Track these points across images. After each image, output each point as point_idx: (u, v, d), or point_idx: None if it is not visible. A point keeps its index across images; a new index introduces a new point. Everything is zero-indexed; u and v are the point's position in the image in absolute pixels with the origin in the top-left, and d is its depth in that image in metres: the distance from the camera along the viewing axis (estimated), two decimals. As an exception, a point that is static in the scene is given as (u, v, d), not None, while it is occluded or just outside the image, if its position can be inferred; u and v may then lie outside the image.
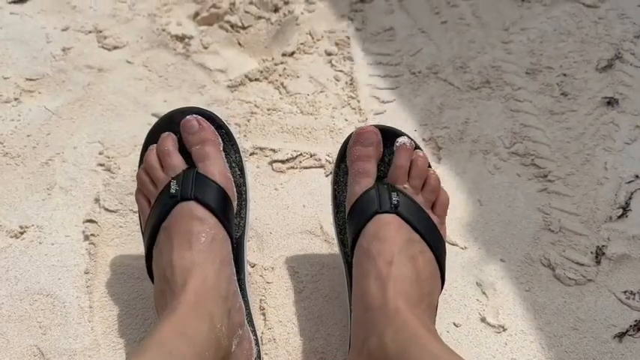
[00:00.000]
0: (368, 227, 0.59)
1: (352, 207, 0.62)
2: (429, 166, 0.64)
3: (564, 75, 0.95)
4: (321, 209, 0.79)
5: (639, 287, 0.71)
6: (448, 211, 0.78)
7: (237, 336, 0.58)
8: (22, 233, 0.76)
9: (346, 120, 0.90)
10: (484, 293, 0.71)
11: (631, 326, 0.67)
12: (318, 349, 0.67)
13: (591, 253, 0.74)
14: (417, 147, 0.65)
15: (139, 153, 0.84)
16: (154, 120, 0.89)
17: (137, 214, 0.78)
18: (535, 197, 0.80)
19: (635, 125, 0.87)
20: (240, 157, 0.68)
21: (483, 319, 0.69)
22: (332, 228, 0.75)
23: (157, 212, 0.61)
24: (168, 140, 0.64)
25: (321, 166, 0.84)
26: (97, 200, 0.79)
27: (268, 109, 0.91)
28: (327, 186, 0.83)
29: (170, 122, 0.66)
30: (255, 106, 0.92)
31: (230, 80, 0.95)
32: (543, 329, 0.68)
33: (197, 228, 0.59)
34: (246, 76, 0.95)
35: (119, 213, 0.78)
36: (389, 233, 0.58)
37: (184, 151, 0.65)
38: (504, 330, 0.68)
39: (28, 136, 0.87)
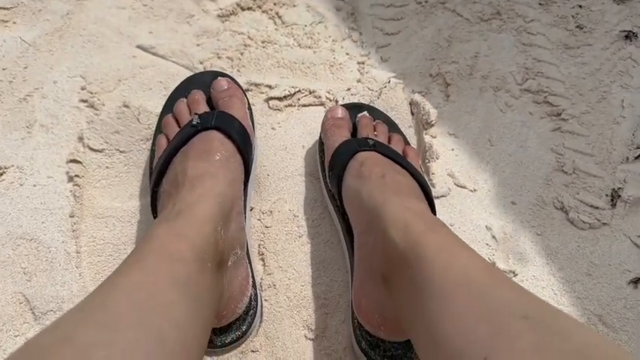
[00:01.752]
0: (351, 165, 0.61)
1: (333, 154, 0.64)
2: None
3: (580, 6, 0.88)
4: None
5: (656, 231, 0.68)
6: (456, 152, 0.74)
7: (235, 254, 0.57)
8: (1, 174, 0.71)
9: (347, 54, 0.84)
10: (494, 237, 0.68)
11: (646, 271, 0.65)
12: (320, 294, 0.64)
13: (606, 195, 0.70)
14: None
15: (127, 87, 0.79)
16: (139, 52, 0.84)
17: (124, 154, 0.73)
18: (548, 137, 0.75)
19: (655, 61, 0.82)
20: (251, 113, 0.71)
21: (493, 264, 0.65)
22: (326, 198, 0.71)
23: (176, 140, 0.61)
24: (198, 94, 0.68)
25: (321, 104, 0.79)
26: (80, 139, 0.74)
27: (263, 42, 0.85)
28: (328, 124, 0.78)
29: (191, 83, 0.71)
30: (249, 37, 0.85)
31: (220, 9, 0.88)
32: (556, 275, 0.65)
33: (214, 147, 0.59)
34: (237, 5, 0.88)
35: (105, 153, 0.73)
36: (373, 160, 0.60)
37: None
38: (515, 275, 0.65)
39: (4, 69, 0.80)
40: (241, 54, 0.83)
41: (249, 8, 0.88)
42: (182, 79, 0.73)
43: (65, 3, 0.87)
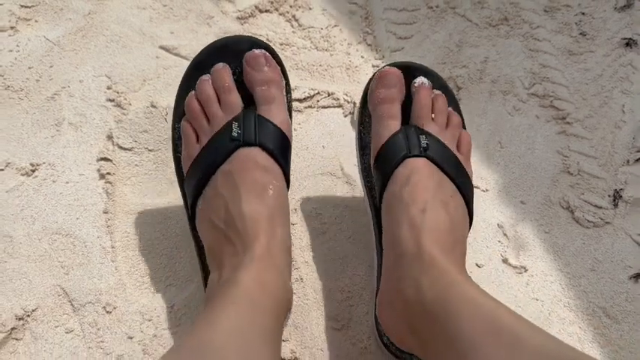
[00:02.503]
0: (398, 172, 0.58)
1: (379, 151, 0.60)
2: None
3: (583, 14, 0.93)
4: (341, 150, 0.78)
5: (654, 230, 0.73)
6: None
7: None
8: (33, 171, 0.73)
9: (362, 57, 0.88)
10: (505, 235, 0.72)
11: (646, 267, 0.70)
12: (344, 288, 0.68)
13: (609, 196, 0.75)
14: (435, 86, 0.64)
15: (152, 87, 0.82)
16: (162, 53, 0.86)
17: (152, 152, 0.76)
18: (554, 139, 0.80)
19: (653, 68, 0.87)
20: (291, 97, 0.64)
21: (505, 260, 0.70)
22: (353, 169, 0.75)
23: (215, 153, 0.57)
24: (226, 73, 0.60)
25: (339, 106, 0.82)
26: (109, 137, 0.76)
27: (281, 44, 0.88)
28: (346, 126, 0.81)
29: (224, 50, 0.61)
30: (268, 40, 0.88)
31: (239, 11, 0.91)
32: (563, 270, 0.70)
33: (264, 178, 0.57)
34: (256, 7, 0.91)
35: (134, 151, 0.76)
36: (420, 178, 0.57)
37: (238, 83, 0.61)
38: (525, 271, 0.69)
39: (30, 68, 0.82)
40: (261, 56, 0.86)
41: (266, 11, 0.91)
42: (208, 44, 0.62)
43: (86, 2, 0.89)
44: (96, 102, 0.80)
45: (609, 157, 0.78)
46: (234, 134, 0.57)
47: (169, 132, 0.77)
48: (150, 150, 0.76)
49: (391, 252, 0.57)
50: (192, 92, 0.61)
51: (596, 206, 0.74)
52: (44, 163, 0.74)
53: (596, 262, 0.70)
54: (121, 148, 0.76)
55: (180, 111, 0.63)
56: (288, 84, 0.63)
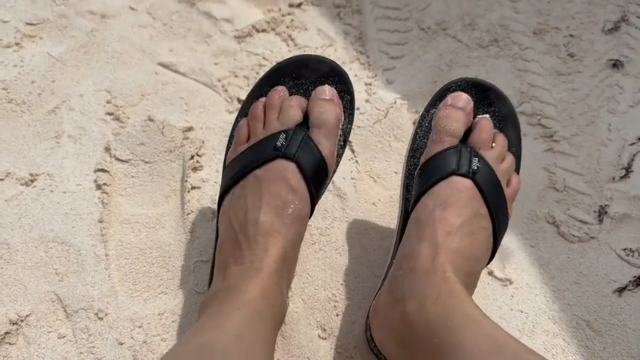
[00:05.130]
0: (440, 187, 0.57)
1: (428, 160, 0.60)
2: None
3: (571, 36, 0.95)
4: (333, 164, 0.80)
5: (638, 245, 0.74)
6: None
7: None
8: (32, 181, 0.76)
9: (356, 75, 0.90)
10: (491, 248, 0.73)
11: (630, 282, 0.71)
12: (331, 297, 0.69)
13: (594, 211, 0.76)
14: (504, 116, 0.64)
15: (150, 102, 0.84)
16: (161, 69, 0.89)
17: (149, 164, 0.78)
18: (541, 156, 0.82)
19: (639, 89, 0.89)
20: (350, 127, 0.65)
21: (491, 273, 0.71)
22: (344, 182, 0.77)
23: (255, 156, 0.59)
24: (298, 99, 0.62)
25: (332, 121, 0.84)
26: (107, 149, 0.79)
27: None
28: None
29: (303, 66, 0.63)
30: (264, 58, 0.91)
31: (237, 30, 0.94)
32: (548, 283, 0.71)
33: (288, 196, 0.57)
34: (253, 27, 0.94)
35: (131, 163, 0.78)
36: (458, 202, 0.56)
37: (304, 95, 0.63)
38: (511, 283, 0.71)
39: (33, 82, 0.85)
40: (257, 73, 0.89)
41: (263, 30, 0.94)
42: (294, 56, 0.64)
43: (89, 21, 0.93)
44: (95, 115, 0.82)
45: (595, 174, 0.80)
46: (279, 144, 0.59)
47: (166, 145, 0.79)
48: (146, 162, 0.78)
49: (404, 262, 0.57)
50: (263, 99, 0.64)
51: (581, 221, 0.75)
52: (43, 173, 0.76)
53: (580, 276, 0.71)
54: (118, 159, 0.78)
55: (245, 109, 0.65)
56: (352, 114, 0.65)
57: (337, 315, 0.68)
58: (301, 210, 0.59)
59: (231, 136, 0.66)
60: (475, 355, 0.45)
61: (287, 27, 0.95)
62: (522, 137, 0.83)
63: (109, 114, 0.82)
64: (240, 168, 0.60)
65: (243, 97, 0.73)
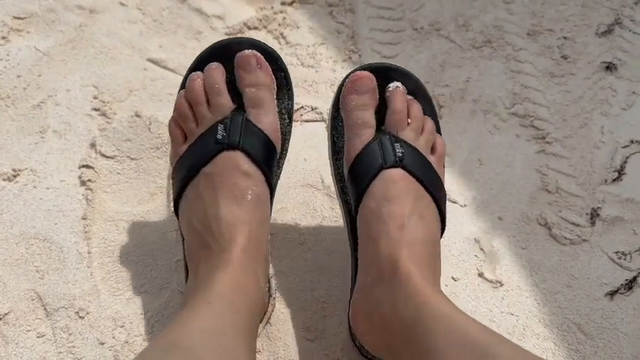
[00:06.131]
0: (375, 186, 0.57)
1: (354, 162, 0.59)
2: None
3: (565, 38, 0.95)
4: (323, 163, 0.78)
5: (631, 248, 0.73)
6: (448, 169, 0.79)
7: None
8: (15, 176, 0.74)
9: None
10: (482, 249, 0.72)
11: (622, 285, 0.70)
12: (319, 299, 0.67)
13: (586, 214, 0.75)
14: (412, 91, 0.62)
15: (137, 97, 0.83)
16: (150, 65, 0.88)
17: (134, 161, 0.76)
18: (533, 158, 0.81)
19: (632, 91, 0.88)
20: (292, 104, 0.63)
21: (481, 274, 0.70)
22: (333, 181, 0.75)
23: (198, 155, 0.57)
24: (217, 73, 0.59)
25: (323, 120, 0.83)
26: (92, 145, 0.77)
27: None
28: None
29: (224, 51, 0.60)
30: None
31: (228, 28, 0.93)
32: (539, 286, 0.70)
33: (244, 183, 0.56)
34: (245, 24, 0.93)
35: (116, 159, 0.76)
36: (398, 192, 0.56)
37: (232, 84, 0.60)
38: (501, 285, 0.69)
39: (18, 76, 0.83)
40: (247, 70, 0.87)
41: (255, 28, 0.93)
42: (213, 43, 0.61)
43: (78, 15, 0.91)
44: (81, 111, 0.81)
45: (588, 177, 0.79)
46: (219, 137, 0.57)
47: (152, 141, 0.77)
48: (132, 158, 0.76)
49: (369, 268, 0.57)
50: (182, 92, 0.61)
51: (573, 224, 0.74)
52: (26, 168, 0.75)
53: (572, 279, 0.70)
54: (103, 156, 0.76)
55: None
56: (290, 89, 0.63)
57: (325, 316, 0.66)
58: (260, 193, 0.58)
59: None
60: (449, 355, 0.44)
61: (279, 25, 0.94)
62: (515, 139, 0.83)
63: (96, 109, 0.81)
64: (187, 170, 0.58)
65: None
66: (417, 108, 0.61)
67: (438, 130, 0.64)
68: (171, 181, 0.74)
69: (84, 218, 0.71)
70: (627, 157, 0.81)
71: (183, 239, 0.61)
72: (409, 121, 0.60)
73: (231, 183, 0.56)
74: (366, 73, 0.60)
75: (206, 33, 0.92)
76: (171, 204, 0.64)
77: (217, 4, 0.96)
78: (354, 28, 0.94)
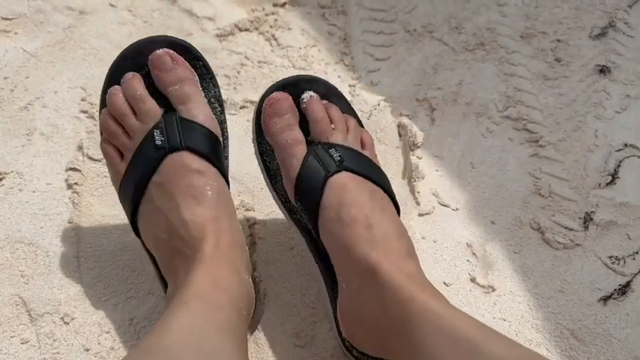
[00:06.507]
0: (327, 196, 0.56)
1: (297, 181, 0.57)
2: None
3: (558, 41, 0.94)
4: (313, 166, 0.78)
5: (624, 253, 0.72)
6: (440, 172, 0.78)
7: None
8: (0, 179, 0.73)
9: (339, 77, 0.88)
10: (474, 254, 0.72)
11: (615, 290, 0.69)
12: (309, 304, 0.66)
13: (580, 218, 0.75)
14: (325, 94, 0.62)
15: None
16: (140, 67, 0.87)
17: (123, 164, 0.75)
18: (526, 161, 0.80)
19: (626, 94, 0.88)
20: (218, 91, 0.62)
21: (473, 279, 0.69)
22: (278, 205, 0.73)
23: (142, 166, 0.55)
24: (136, 82, 0.57)
25: (314, 122, 0.82)
26: (80, 148, 0.76)
27: (259, 62, 0.89)
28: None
29: (138, 55, 0.58)
30: (246, 57, 0.89)
31: (219, 29, 0.92)
32: (531, 291, 0.69)
33: (199, 181, 0.55)
34: (236, 26, 0.92)
35: (104, 162, 0.75)
36: (351, 195, 0.56)
37: (153, 87, 0.58)
38: (493, 290, 0.69)
39: (5, 78, 0.82)
40: (238, 72, 0.87)
41: (246, 29, 0.92)
42: (124, 49, 0.59)
43: (67, 16, 0.90)
44: (69, 113, 0.80)
45: (581, 180, 0.78)
46: (158, 142, 0.55)
47: (140, 144, 0.76)
48: (120, 161, 0.75)
49: (349, 274, 0.56)
50: (104, 110, 0.59)
51: (566, 228, 0.74)
52: (12, 171, 0.74)
53: (565, 284, 0.70)
54: (90, 159, 0.75)
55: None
56: (213, 77, 0.61)
57: (315, 322, 0.65)
58: (219, 187, 0.57)
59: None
60: (437, 351, 0.44)
61: (270, 26, 0.93)
62: (508, 142, 0.82)
63: (84, 112, 0.80)
64: (134, 187, 0.56)
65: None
66: (335, 110, 0.61)
67: (360, 124, 0.65)
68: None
69: (70, 222, 0.70)
70: (621, 161, 0.80)
71: (152, 259, 0.60)
72: (333, 125, 0.60)
73: (185, 184, 0.55)
74: (281, 93, 0.59)
75: (196, 34, 0.91)
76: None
77: (208, 5, 0.95)
78: (346, 30, 0.94)
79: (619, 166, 0.79)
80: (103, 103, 0.60)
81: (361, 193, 0.56)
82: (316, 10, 0.96)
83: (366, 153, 0.60)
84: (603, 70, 0.90)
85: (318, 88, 0.62)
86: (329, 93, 0.63)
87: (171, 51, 0.58)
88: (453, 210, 0.75)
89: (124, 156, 0.58)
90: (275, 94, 0.59)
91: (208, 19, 0.93)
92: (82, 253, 0.68)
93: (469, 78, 0.89)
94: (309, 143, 0.60)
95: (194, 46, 0.61)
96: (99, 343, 0.62)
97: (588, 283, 0.70)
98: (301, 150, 0.58)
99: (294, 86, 0.61)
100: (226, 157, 0.63)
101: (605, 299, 0.68)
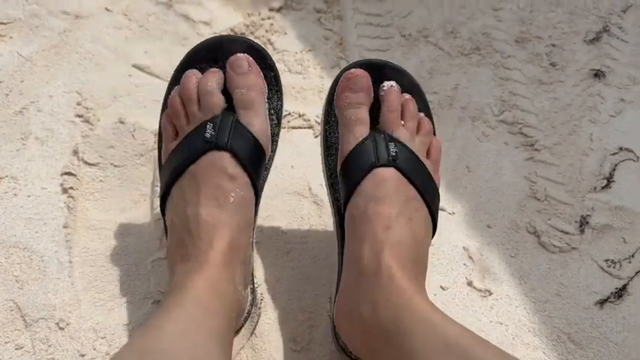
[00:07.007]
0: (365, 184, 0.56)
1: (347, 159, 0.58)
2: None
3: (553, 45, 0.95)
4: (310, 170, 0.78)
5: (620, 256, 0.72)
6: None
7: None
8: (-5, 184, 0.72)
9: (335, 80, 0.88)
10: (471, 258, 0.72)
11: (612, 293, 0.69)
12: (306, 308, 0.66)
13: (575, 222, 0.75)
14: (407, 89, 0.61)
15: (122, 104, 0.81)
16: (135, 71, 0.87)
17: (118, 168, 0.75)
18: (522, 165, 0.80)
19: (621, 98, 0.88)
20: (281, 104, 0.62)
21: (470, 283, 0.69)
22: (321, 189, 0.74)
23: (186, 153, 0.57)
24: (214, 77, 0.58)
25: (310, 127, 0.82)
26: (75, 152, 0.76)
27: (255, 66, 0.88)
28: (316, 147, 0.81)
29: (217, 49, 0.60)
30: (242, 62, 0.89)
31: (215, 34, 0.92)
32: (528, 294, 0.69)
33: (227, 185, 0.55)
34: (232, 30, 0.92)
35: (99, 166, 0.75)
36: (387, 193, 0.55)
37: (224, 85, 0.59)
38: (490, 294, 0.69)
39: (0, 82, 0.82)
40: (234, 77, 0.86)
41: (242, 34, 0.92)
42: (206, 39, 0.61)
43: (62, 21, 0.90)
44: (64, 117, 0.79)
45: (577, 184, 0.79)
46: (207, 135, 0.56)
47: (136, 148, 0.76)
48: (115, 166, 0.75)
49: (352, 266, 0.56)
50: (177, 87, 0.60)
51: (562, 231, 0.74)
52: (7, 176, 0.73)
53: (561, 288, 0.70)
54: (86, 163, 0.75)
55: (167, 99, 0.62)
56: (280, 90, 0.62)
57: (312, 326, 0.65)
58: (244, 196, 0.57)
59: (160, 135, 0.63)
60: (428, 357, 0.44)
61: (266, 31, 0.93)
62: (504, 146, 0.82)
63: (79, 116, 0.80)
64: (174, 168, 0.57)
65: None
66: (412, 106, 0.60)
67: (434, 131, 0.63)
68: (154, 189, 0.73)
69: (65, 227, 0.70)
70: (616, 165, 0.80)
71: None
72: (404, 121, 0.59)
73: (214, 184, 0.55)
74: (361, 71, 0.59)
75: (192, 39, 0.91)
76: (157, 207, 0.63)
77: (204, 10, 0.95)
78: (342, 34, 0.94)
79: (614, 169, 0.80)
80: (176, 81, 0.61)
81: (398, 195, 0.55)
82: (312, 14, 0.96)
83: (426, 162, 0.59)
84: (598, 75, 0.91)
85: (401, 80, 0.61)
86: (411, 89, 0.62)
87: (250, 57, 0.59)
88: (450, 214, 0.75)
89: (178, 136, 0.59)
90: (355, 70, 0.58)
91: (204, 23, 0.93)
92: (76, 258, 0.68)
93: (465, 82, 0.89)
94: (375, 130, 0.59)
95: (269, 53, 0.61)
96: (94, 349, 0.62)
97: (585, 286, 0.70)
98: (363, 130, 0.58)
99: (379, 70, 0.60)
100: (267, 169, 0.63)
101: (602, 303, 0.69)
